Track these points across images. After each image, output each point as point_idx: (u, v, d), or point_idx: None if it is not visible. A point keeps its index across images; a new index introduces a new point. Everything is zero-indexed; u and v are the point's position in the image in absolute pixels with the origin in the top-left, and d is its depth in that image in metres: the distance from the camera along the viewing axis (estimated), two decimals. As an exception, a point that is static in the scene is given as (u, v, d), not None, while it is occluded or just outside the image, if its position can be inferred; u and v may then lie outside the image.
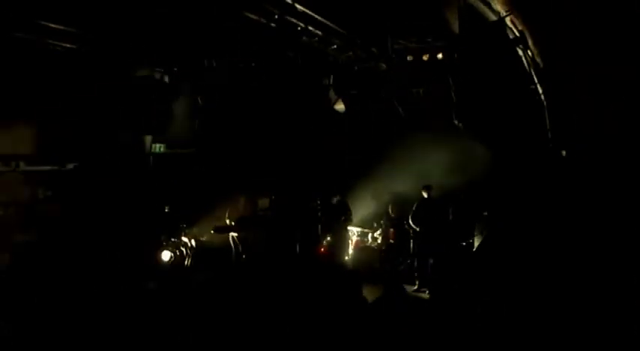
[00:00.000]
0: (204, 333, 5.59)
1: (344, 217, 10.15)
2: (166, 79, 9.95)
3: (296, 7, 7.36)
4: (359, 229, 10.89)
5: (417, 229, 9.38)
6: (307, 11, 7.57)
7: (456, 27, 7.29)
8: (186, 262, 10.46)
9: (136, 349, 5.43)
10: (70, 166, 9.63)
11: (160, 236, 10.64)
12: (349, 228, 10.92)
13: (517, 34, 7.03)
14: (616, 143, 6.16)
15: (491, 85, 7.39)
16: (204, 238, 10.69)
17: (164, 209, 11.40)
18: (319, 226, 10.26)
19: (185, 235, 10.69)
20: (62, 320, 5.66)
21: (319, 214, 10.35)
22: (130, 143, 10.47)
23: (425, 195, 9.39)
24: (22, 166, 8.87)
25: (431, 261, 9.20)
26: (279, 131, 11.17)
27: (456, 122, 8.41)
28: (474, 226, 8.74)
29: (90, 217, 9.67)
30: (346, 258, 10.77)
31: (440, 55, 8.85)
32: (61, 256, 7.94)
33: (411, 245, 9.64)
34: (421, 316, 6.57)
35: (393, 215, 10.44)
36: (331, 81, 9.99)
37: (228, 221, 9.99)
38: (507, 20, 6.84)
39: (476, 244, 8.62)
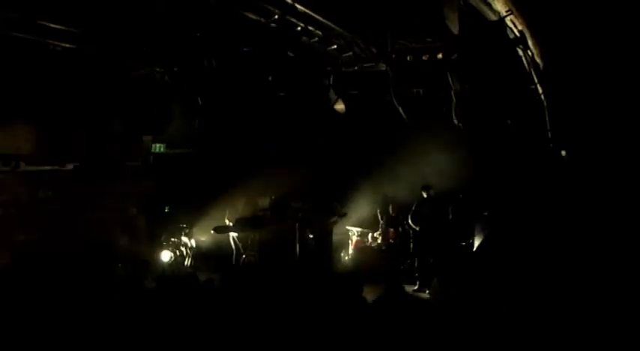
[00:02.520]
0: (204, 333, 5.59)
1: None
2: (166, 79, 9.95)
3: (296, 7, 7.36)
4: (359, 229, 10.89)
5: (417, 229, 9.40)
6: (307, 11, 7.57)
7: (456, 27, 7.27)
8: (186, 262, 10.49)
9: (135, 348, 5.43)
10: (70, 166, 9.65)
11: (160, 236, 10.66)
12: (349, 228, 10.94)
13: (517, 34, 7.00)
14: (616, 143, 6.15)
15: (491, 85, 7.37)
16: (204, 238, 10.72)
17: (164, 209, 11.43)
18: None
19: (185, 235, 10.71)
20: (60, 320, 5.65)
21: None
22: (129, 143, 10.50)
23: (425, 195, 9.41)
24: (22, 166, 8.89)
25: (431, 261, 9.22)
26: (279, 131, 11.18)
27: (456, 122, 8.39)
28: (474, 226, 8.76)
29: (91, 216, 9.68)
30: (346, 258, 10.78)
31: (440, 55, 8.87)
32: (59, 257, 7.95)
33: (411, 245, 9.65)
34: (421, 316, 6.56)
35: (393, 215, 10.47)
36: (331, 81, 9.99)
37: (228, 221, 10.00)
38: (507, 20, 6.81)
39: (476, 244, 8.63)
